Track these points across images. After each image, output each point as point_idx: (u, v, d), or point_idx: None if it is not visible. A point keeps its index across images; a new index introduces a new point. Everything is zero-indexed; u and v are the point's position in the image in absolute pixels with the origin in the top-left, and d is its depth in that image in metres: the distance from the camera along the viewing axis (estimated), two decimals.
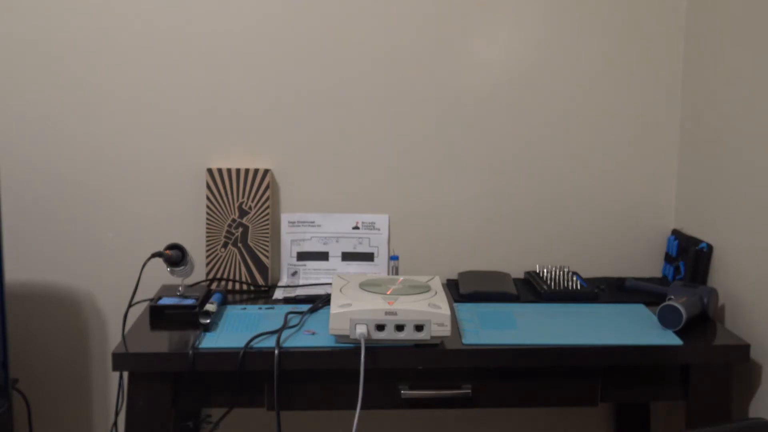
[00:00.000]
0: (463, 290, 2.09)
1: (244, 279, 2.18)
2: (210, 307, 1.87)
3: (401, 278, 1.93)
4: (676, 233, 2.23)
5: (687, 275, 2.08)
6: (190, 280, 2.07)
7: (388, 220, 2.25)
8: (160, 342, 1.78)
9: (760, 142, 1.84)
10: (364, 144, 2.23)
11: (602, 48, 2.22)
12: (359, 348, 1.65)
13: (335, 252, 2.23)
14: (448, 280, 2.22)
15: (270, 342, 1.73)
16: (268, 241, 2.19)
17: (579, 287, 2.10)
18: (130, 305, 1.89)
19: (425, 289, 1.83)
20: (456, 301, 2.06)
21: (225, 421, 1.99)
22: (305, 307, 1.96)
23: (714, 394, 1.81)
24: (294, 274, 2.23)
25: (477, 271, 2.24)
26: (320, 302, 1.98)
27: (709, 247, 2.05)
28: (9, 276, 2.04)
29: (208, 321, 1.81)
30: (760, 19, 1.85)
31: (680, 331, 1.83)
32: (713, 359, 1.80)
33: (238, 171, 2.18)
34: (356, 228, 2.24)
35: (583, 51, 2.22)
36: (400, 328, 1.69)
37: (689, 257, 2.08)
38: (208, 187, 2.18)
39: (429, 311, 1.69)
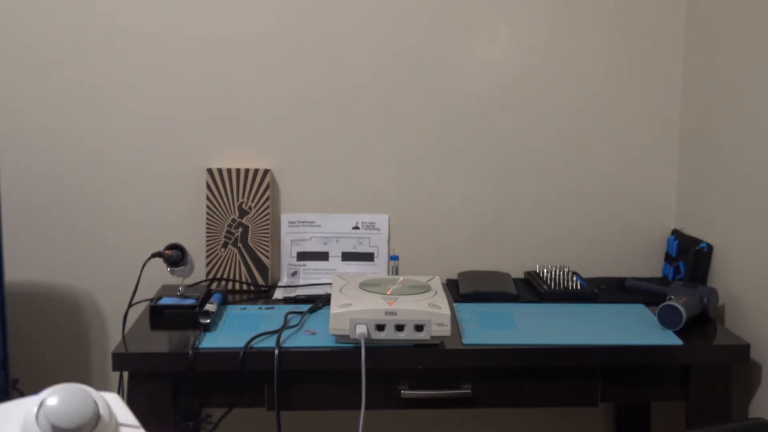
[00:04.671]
0: (463, 290, 2.09)
1: (244, 279, 2.18)
2: (210, 307, 1.87)
3: (401, 278, 1.93)
4: (676, 233, 2.23)
5: (687, 275, 2.07)
6: (190, 280, 2.07)
7: (388, 220, 2.25)
8: (160, 342, 1.78)
9: (760, 142, 1.84)
10: (364, 144, 2.23)
11: (601, 49, 2.22)
12: (359, 348, 1.65)
13: (335, 252, 2.23)
14: (448, 280, 2.22)
15: (270, 342, 1.73)
16: (268, 241, 2.19)
17: (579, 287, 2.10)
18: (130, 305, 1.89)
19: (425, 289, 1.83)
20: (456, 301, 2.06)
21: (225, 421, 1.98)
22: (305, 307, 1.96)
23: (714, 394, 1.81)
24: (294, 274, 2.23)
25: (477, 271, 2.24)
26: (320, 302, 1.98)
27: (709, 247, 2.05)
28: (9, 276, 2.04)
29: (208, 321, 1.81)
30: (760, 20, 1.85)
31: (680, 331, 1.83)
32: (713, 359, 1.80)
33: (238, 171, 2.18)
34: (356, 228, 2.24)
35: (582, 53, 2.22)
36: (400, 328, 1.69)
37: (689, 257, 2.08)
38: (208, 187, 2.18)
39: (429, 311, 1.69)
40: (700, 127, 2.15)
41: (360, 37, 2.19)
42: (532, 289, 2.14)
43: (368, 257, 2.24)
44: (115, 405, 0.80)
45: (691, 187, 2.20)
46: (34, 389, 2.27)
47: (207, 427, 2.15)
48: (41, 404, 0.75)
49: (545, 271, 2.20)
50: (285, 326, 1.81)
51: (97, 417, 0.76)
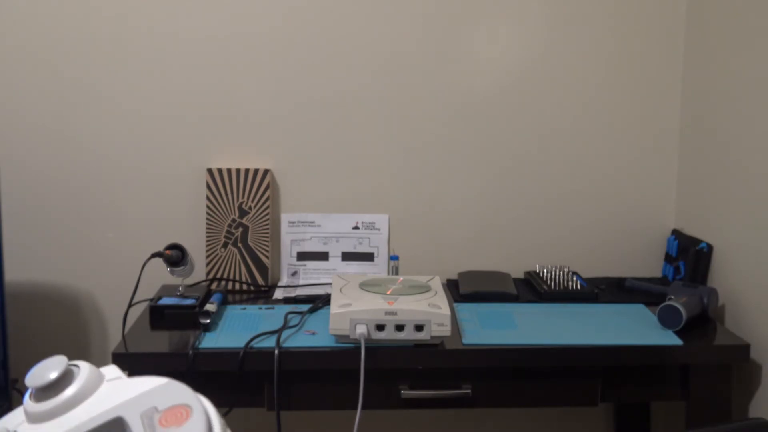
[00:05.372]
0: (463, 290, 2.09)
1: (244, 279, 2.18)
2: (210, 307, 1.87)
3: (401, 278, 1.93)
4: (676, 233, 2.23)
5: (687, 275, 2.07)
6: (190, 280, 2.07)
7: (388, 220, 2.25)
8: (160, 342, 1.78)
9: (760, 142, 1.84)
10: (364, 144, 2.23)
11: (602, 50, 2.22)
12: (359, 348, 1.65)
13: (335, 252, 2.23)
14: (448, 280, 2.22)
15: (270, 342, 1.73)
16: (268, 241, 2.19)
17: (579, 287, 2.10)
18: (130, 305, 1.89)
19: (425, 289, 1.83)
20: (456, 301, 2.06)
21: (225, 421, 1.99)
22: (305, 307, 1.96)
23: (714, 394, 1.81)
24: (294, 274, 2.23)
25: (477, 271, 2.24)
26: (320, 302, 1.98)
27: (709, 247, 2.05)
28: (9, 276, 2.04)
29: (208, 321, 1.81)
30: (760, 20, 1.85)
31: (680, 331, 1.83)
32: (713, 359, 1.80)
33: (238, 171, 2.18)
34: (356, 228, 2.24)
35: (582, 53, 2.22)
36: (400, 328, 1.69)
37: (689, 257, 2.08)
38: (208, 187, 2.18)
39: (429, 311, 1.69)
40: (700, 127, 2.15)
41: (360, 37, 2.19)
42: (532, 289, 2.14)
43: (368, 257, 2.24)
44: (106, 369, 0.83)
45: (691, 187, 2.20)
46: None
47: None
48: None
49: (545, 271, 2.20)
50: (285, 326, 1.81)
51: (68, 371, 0.79)
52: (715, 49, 2.06)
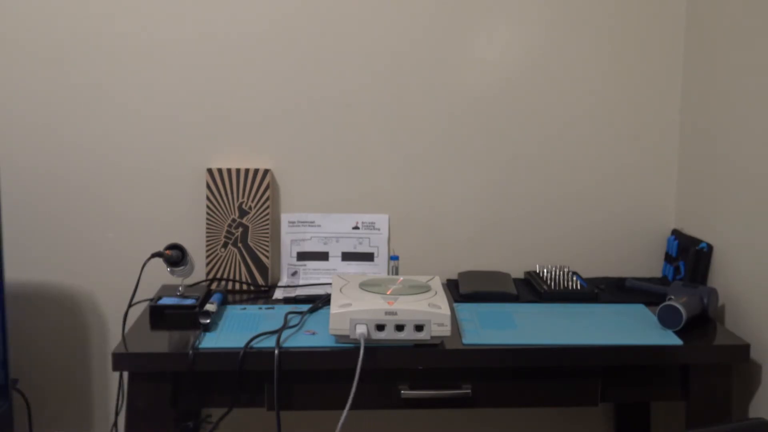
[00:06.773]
0: (463, 290, 2.09)
1: (244, 279, 2.18)
2: (210, 307, 1.87)
3: (401, 278, 1.93)
4: (676, 233, 2.23)
5: (687, 275, 2.08)
6: (190, 280, 2.07)
7: (388, 220, 2.25)
8: (160, 342, 1.78)
9: (760, 142, 1.84)
10: (364, 144, 2.23)
11: (601, 49, 2.22)
12: (359, 348, 1.65)
13: (335, 252, 2.23)
14: (448, 280, 2.22)
15: (270, 342, 1.73)
16: (268, 241, 2.19)
17: (579, 287, 2.10)
18: (130, 305, 1.89)
19: (425, 289, 1.83)
20: (456, 301, 2.06)
21: (225, 421, 1.99)
22: (305, 307, 1.96)
23: (714, 394, 1.81)
24: (294, 274, 2.23)
25: (477, 271, 2.24)
26: (320, 302, 1.98)
27: (709, 247, 2.05)
28: (9, 276, 2.04)
29: (208, 321, 1.81)
30: (760, 20, 1.85)
31: (680, 331, 1.83)
32: (713, 359, 1.80)
33: (238, 171, 2.18)
34: (356, 228, 2.24)
35: (582, 53, 2.22)
36: (400, 328, 1.69)
37: (689, 257, 2.08)
38: (208, 187, 2.18)
39: (429, 311, 1.69)
40: (700, 127, 2.15)
41: (360, 37, 2.19)
42: (532, 289, 2.14)
43: (368, 257, 2.24)
44: None
45: (691, 187, 2.20)
46: (34, 389, 2.29)
47: (207, 427, 2.15)
48: None
49: (545, 271, 2.20)
50: (285, 326, 1.81)
51: None
52: (715, 49, 2.06)
